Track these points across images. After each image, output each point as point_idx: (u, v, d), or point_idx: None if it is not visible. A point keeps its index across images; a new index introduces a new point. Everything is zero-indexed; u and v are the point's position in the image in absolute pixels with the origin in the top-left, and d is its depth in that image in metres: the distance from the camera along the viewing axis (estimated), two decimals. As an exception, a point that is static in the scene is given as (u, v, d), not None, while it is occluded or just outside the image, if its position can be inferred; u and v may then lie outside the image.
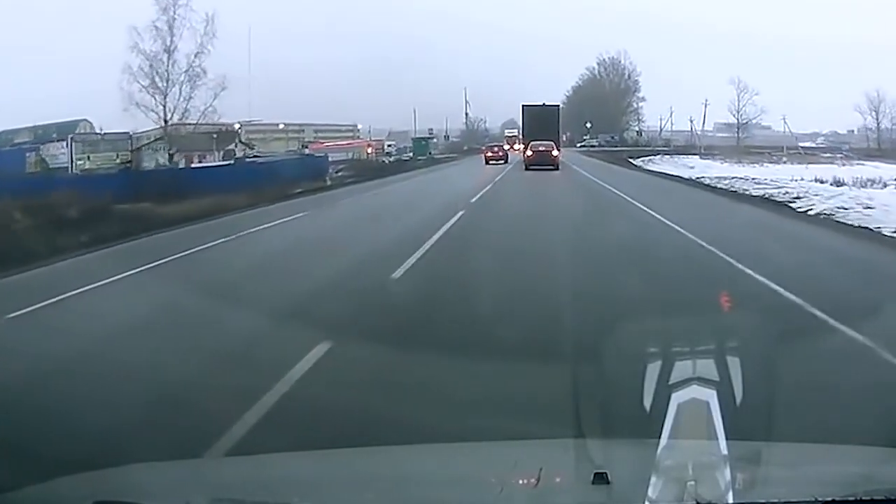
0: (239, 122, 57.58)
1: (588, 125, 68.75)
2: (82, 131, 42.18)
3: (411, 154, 58.87)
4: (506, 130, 70.27)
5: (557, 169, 35.65)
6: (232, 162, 40.98)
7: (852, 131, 66.98)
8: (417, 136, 64.24)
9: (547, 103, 55.12)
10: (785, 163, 49.89)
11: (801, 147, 60.26)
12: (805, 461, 2.69)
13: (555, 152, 37.43)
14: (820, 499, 1.96)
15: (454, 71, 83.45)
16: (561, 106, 61.20)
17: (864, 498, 1.97)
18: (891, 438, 3.85)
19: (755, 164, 47.33)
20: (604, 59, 77.79)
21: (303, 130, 62.20)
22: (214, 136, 47.46)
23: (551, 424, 4.16)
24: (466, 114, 70.77)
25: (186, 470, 3.00)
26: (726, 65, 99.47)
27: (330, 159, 47.20)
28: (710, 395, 2.22)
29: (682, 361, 2.32)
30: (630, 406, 2.49)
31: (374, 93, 76.64)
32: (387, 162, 52.67)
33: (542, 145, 37.86)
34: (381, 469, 2.72)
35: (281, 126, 60.31)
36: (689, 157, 53.92)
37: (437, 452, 3.13)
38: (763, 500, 2.00)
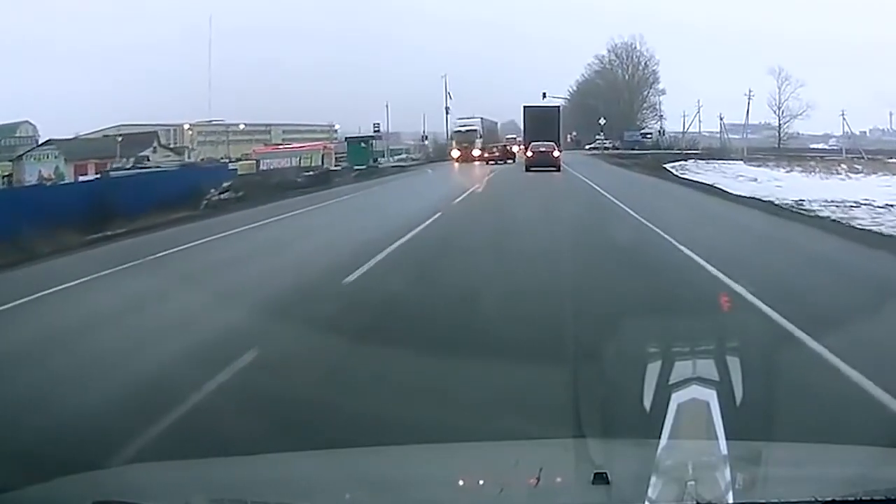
0: (189, 123, 54.67)
1: (602, 121, 59.94)
2: (23, 134, 39.50)
3: (348, 162, 45.70)
4: (457, 122, 56.23)
5: (559, 170, 36.62)
6: (98, 177, 34.61)
7: (864, 132, 65.88)
8: (353, 135, 51.54)
9: (547, 95, 54.72)
10: (861, 172, 37.06)
11: (865, 151, 51.61)
12: (805, 461, 2.69)
13: (555, 153, 38.96)
14: (820, 499, 1.96)
15: (446, 71, 75.85)
16: (562, 106, 60.33)
17: (864, 498, 1.97)
18: (891, 438, 3.84)
19: (840, 175, 35.22)
20: (615, 45, 69.37)
21: (269, 131, 57.26)
22: (119, 139, 42.02)
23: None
24: (447, 108, 61.58)
25: (186, 470, 3.00)
26: (728, 64, 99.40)
27: (264, 167, 40.90)
28: (710, 395, 2.22)
29: (682, 361, 2.32)
30: (630, 406, 2.49)
31: (356, 92, 73.84)
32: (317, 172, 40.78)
33: (542, 146, 39.42)
34: (380, 469, 2.72)
35: (241, 126, 55.89)
36: (730, 162, 45.00)
37: (438, 452, 3.13)
38: (763, 500, 2.00)
